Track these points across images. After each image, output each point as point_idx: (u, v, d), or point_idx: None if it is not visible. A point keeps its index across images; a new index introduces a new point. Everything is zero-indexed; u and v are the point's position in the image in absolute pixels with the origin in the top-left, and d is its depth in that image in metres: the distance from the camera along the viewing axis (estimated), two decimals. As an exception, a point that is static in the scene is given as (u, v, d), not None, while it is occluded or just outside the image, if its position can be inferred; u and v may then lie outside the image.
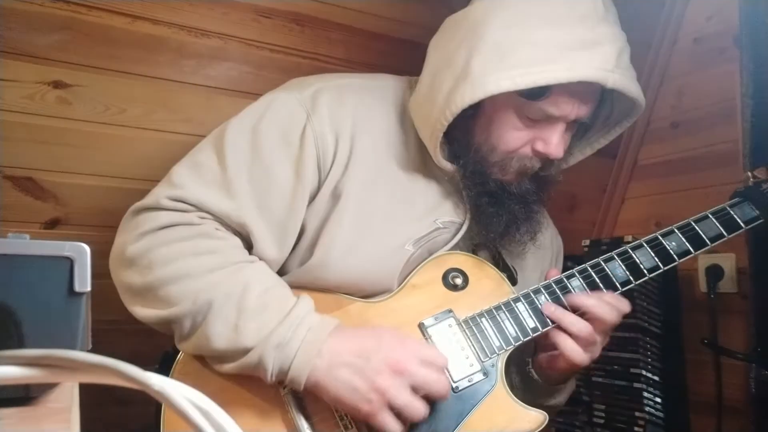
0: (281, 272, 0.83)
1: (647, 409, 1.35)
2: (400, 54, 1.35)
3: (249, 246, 0.80)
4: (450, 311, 0.80)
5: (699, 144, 1.54)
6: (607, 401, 1.41)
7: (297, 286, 0.80)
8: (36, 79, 1.03)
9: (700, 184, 1.53)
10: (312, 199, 0.81)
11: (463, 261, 0.85)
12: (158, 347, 0.91)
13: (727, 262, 1.44)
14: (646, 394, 1.35)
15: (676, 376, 1.43)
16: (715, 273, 1.45)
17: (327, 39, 1.26)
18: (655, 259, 0.87)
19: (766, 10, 1.36)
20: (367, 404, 0.68)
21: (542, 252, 1.01)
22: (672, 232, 0.90)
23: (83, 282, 0.39)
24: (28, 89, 1.03)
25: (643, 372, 1.36)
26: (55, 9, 1.02)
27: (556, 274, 0.85)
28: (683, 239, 0.89)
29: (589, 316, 0.81)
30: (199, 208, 0.76)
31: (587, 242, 1.50)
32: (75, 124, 1.07)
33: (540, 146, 0.82)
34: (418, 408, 0.69)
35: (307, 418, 0.72)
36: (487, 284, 0.84)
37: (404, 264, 0.84)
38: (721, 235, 0.92)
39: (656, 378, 1.37)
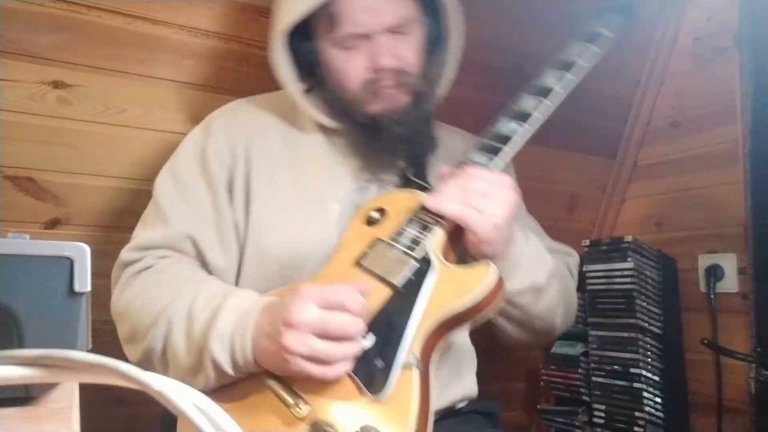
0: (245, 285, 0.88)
1: (647, 409, 1.35)
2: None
3: (202, 263, 0.88)
4: (377, 239, 0.82)
5: (699, 144, 1.54)
6: (607, 401, 1.41)
7: (263, 289, 0.83)
8: (36, 79, 1.03)
9: (700, 184, 1.53)
10: (231, 201, 0.89)
11: (377, 201, 0.89)
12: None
13: (727, 262, 1.44)
14: (646, 394, 1.35)
15: (676, 376, 1.43)
16: (715, 273, 1.45)
17: (327, 39, 1.26)
18: (536, 98, 0.88)
19: (766, 10, 1.36)
20: (286, 364, 0.69)
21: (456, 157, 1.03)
22: (545, 71, 0.92)
23: (83, 282, 0.39)
24: (28, 89, 1.03)
25: (643, 372, 1.36)
26: (55, 9, 1.02)
27: (446, 170, 0.86)
28: (559, 71, 0.91)
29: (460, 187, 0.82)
30: (151, 248, 0.87)
31: (587, 242, 1.51)
32: (75, 124, 1.07)
33: (373, 64, 0.87)
34: (329, 350, 0.68)
35: (286, 385, 0.73)
36: (402, 203, 0.86)
37: (336, 221, 0.88)
38: (591, 50, 0.93)
39: (656, 378, 1.37)
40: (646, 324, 1.39)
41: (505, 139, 0.86)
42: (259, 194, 0.89)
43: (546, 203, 1.65)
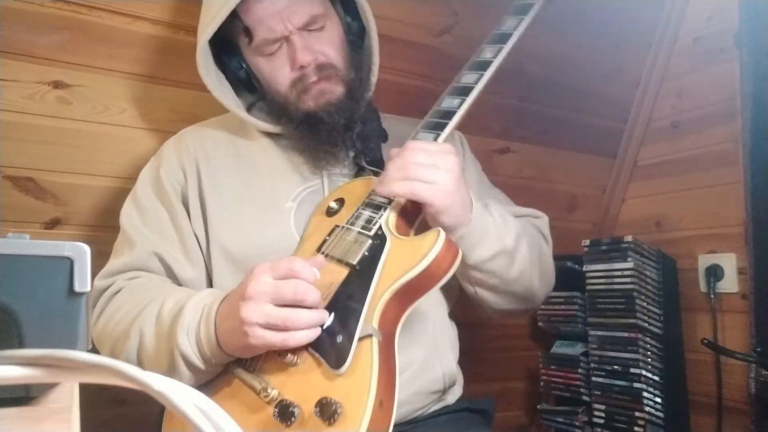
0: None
1: (647, 409, 1.35)
2: (401, 54, 1.35)
3: (171, 276, 0.92)
4: (335, 226, 0.85)
5: (699, 144, 1.54)
6: (607, 401, 1.42)
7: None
8: (36, 79, 1.03)
9: (700, 184, 1.53)
10: (189, 215, 0.93)
11: (336, 192, 0.92)
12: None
13: (727, 262, 1.44)
14: (646, 394, 1.35)
15: (676, 376, 1.44)
16: (715, 273, 1.45)
17: (327, 39, 1.26)
18: (475, 73, 0.92)
19: (766, 10, 1.36)
20: (246, 337, 0.70)
21: None
22: (483, 47, 0.95)
23: (83, 282, 0.39)
24: (28, 89, 1.03)
25: (643, 372, 1.36)
26: (55, 9, 1.02)
27: (394, 152, 0.87)
28: (496, 44, 0.94)
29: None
30: (119, 272, 0.90)
31: (587, 242, 1.51)
32: (75, 124, 1.07)
33: (294, 64, 0.91)
34: (286, 315, 0.70)
35: (253, 372, 0.75)
36: (358, 190, 0.89)
37: (292, 218, 0.91)
38: (519, 20, 0.95)
39: (656, 378, 1.38)
40: (646, 324, 1.39)
41: (448, 115, 0.89)
42: (213, 203, 0.92)
43: (546, 203, 1.65)
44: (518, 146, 1.59)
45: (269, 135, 0.98)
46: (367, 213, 0.84)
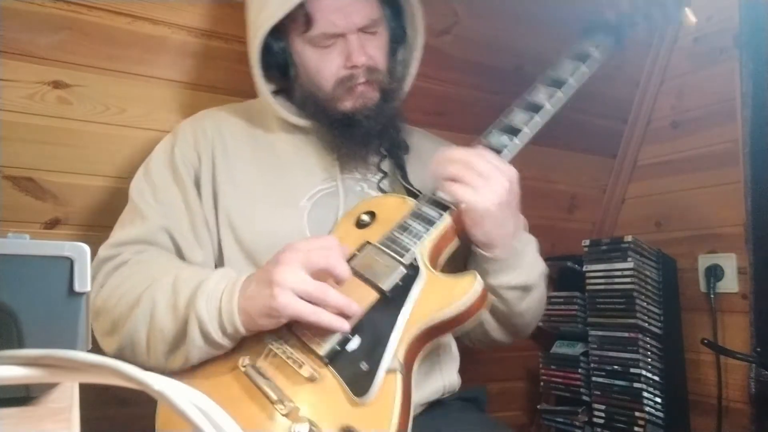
0: None
1: (647, 409, 1.35)
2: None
3: (179, 255, 0.91)
4: (366, 242, 0.84)
5: (699, 144, 1.54)
6: (607, 401, 1.42)
7: None
8: (36, 79, 1.03)
9: (700, 184, 1.53)
10: (200, 198, 0.92)
11: (367, 203, 0.91)
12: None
13: (727, 262, 1.44)
14: (646, 394, 1.35)
15: (676, 376, 1.43)
16: (715, 273, 1.45)
17: (327, 39, 1.26)
18: (526, 113, 0.91)
19: (766, 10, 1.36)
20: (273, 299, 0.70)
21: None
22: (536, 87, 0.94)
23: (83, 282, 0.39)
24: (28, 89, 1.03)
25: (643, 372, 1.36)
26: (55, 9, 1.02)
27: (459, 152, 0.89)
28: (550, 88, 0.93)
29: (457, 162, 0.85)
30: (127, 244, 0.88)
31: (587, 242, 1.51)
32: (75, 124, 1.07)
33: (347, 62, 0.91)
34: (319, 285, 0.71)
35: (268, 379, 0.74)
36: (392, 208, 0.88)
37: (306, 218, 0.90)
38: (581, 69, 0.95)
39: (656, 378, 1.37)
40: (646, 324, 1.39)
41: (501, 147, 0.89)
42: (226, 191, 0.92)
43: (546, 203, 1.65)
44: (518, 146, 1.59)
45: (289, 127, 0.97)
46: (402, 238, 0.83)
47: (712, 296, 1.43)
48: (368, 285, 0.78)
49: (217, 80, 1.18)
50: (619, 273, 1.42)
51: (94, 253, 0.39)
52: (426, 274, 0.79)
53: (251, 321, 0.73)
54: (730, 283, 1.43)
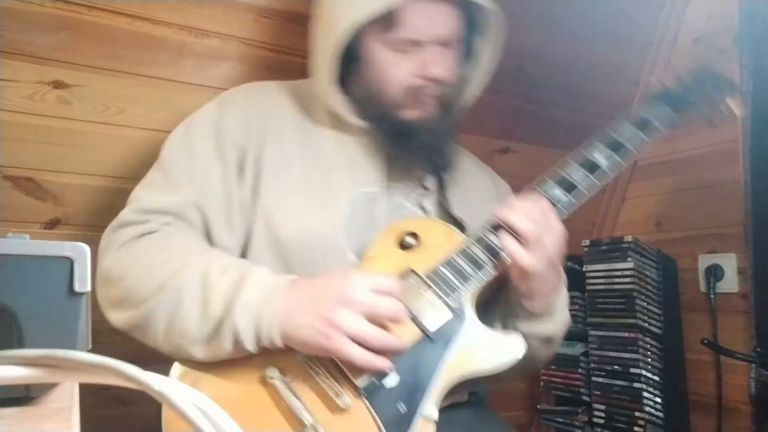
0: None
1: (647, 409, 1.35)
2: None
3: (207, 237, 0.87)
4: (411, 270, 0.82)
5: (699, 144, 1.54)
6: (607, 401, 1.42)
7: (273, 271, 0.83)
8: (36, 79, 1.03)
9: (700, 184, 1.53)
10: (241, 179, 0.88)
11: (413, 223, 0.88)
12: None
13: (727, 262, 1.44)
14: (646, 394, 1.35)
15: (676, 376, 1.43)
16: (715, 273, 1.45)
17: (327, 39, 1.26)
18: (582, 170, 0.91)
19: (766, 10, 1.36)
20: (326, 339, 0.70)
21: (485, 194, 1.04)
22: (595, 145, 0.94)
23: (83, 282, 0.39)
24: (28, 89, 1.03)
25: (643, 372, 1.36)
26: (55, 9, 1.02)
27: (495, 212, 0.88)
28: (608, 150, 0.93)
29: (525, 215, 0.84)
30: (156, 212, 0.84)
31: (587, 242, 1.51)
32: (75, 124, 1.07)
33: (423, 72, 0.88)
34: (374, 332, 0.71)
35: (298, 398, 0.72)
36: (439, 237, 0.87)
37: (344, 223, 0.87)
38: (640, 137, 0.95)
39: (656, 378, 1.37)
40: (646, 324, 1.39)
41: (555, 201, 0.88)
42: (270, 178, 0.88)
43: (546, 203, 1.65)
44: (518, 146, 1.59)
45: (337, 124, 0.94)
46: (450, 277, 0.81)
47: (712, 296, 1.43)
48: (413, 321, 0.77)
49: (217, 80, 1.18)
50: (619, 273, 1.42)
51: (94, 253, 0.39)
52: (471, 323, 0.79)
53: (291, 341, 0.72)
54: (730, 283, 1.43)
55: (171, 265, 0.77)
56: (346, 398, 0.72)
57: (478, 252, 0.84)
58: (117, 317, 0.79)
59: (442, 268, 0.82)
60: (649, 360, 1.37)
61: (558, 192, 0.89)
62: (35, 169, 1.06)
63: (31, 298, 0.38)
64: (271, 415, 0.72)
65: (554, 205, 0.87)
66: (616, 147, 0.93)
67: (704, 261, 1.48)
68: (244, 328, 0.72)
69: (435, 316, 0.78)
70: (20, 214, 1.06)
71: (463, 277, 0.82)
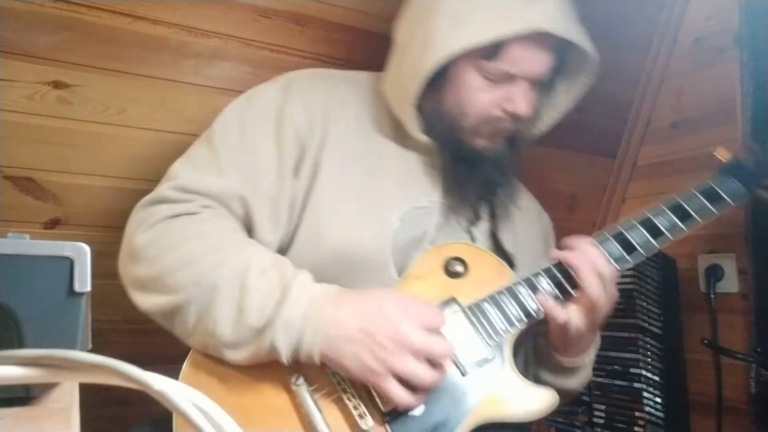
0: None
1: (647, 409, 1.35)
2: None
3: (247, 228, 0.83)
4: (453, 299, 0.80)
5: (699, 144, 1.54)
6: (607, 401, 1.41)
7: (298, 267, 0.80)
8: (36, 79, 1.03)
9: (700, 184, 1.53)
10: (296, 174, 0.85)
11: (462, 249, 0.86)
12: (158, 347, 0.91)
13: (727, 262, 1.44)
14: (646, 394, 1.35)
15: (676, 376, 1.43)
16: (715, 273, 1.45)
17: (327, 39, 1.26)
18: (646, 234, 0.89)
19: (766, 10, 1.36)
20: (372, 374, 0.69)
21: (532, 231, 1.03)
22: (662, 210, 0.92)
23: (83, 282, 0.39)
24: (28, 89, 1.03)
25: (643, 372, 1.36)
26: (55, 9, 1.02)
27: (555, 254, 0.87)
28: (673, 216, 0.91)
29: (593, 270, 0.83)
30: (198, 193, 0.80)
31: (587, 242, 1.50)
32: (75, 124, 1.07)
33: (507, 105, 0.86)
34: (423, 374, 0.70)
35: (320, 411, 0.72)
36: (487, 270, 0.85)
37: (393, 236, 0.85)
38: (709, 210, 0.93)
39: (656, 378, 1.37)
40: (646, 324, 1.39)
41: (613, 259, 0.87)
42: (326, 180, 0.84)
43: (546, 203, 1.65)
44: (518, 146, 1.59)
45: (403, 134, 0.91)
46: (494, 316, 0.80)
47: (712, 296, 1.43)
48: None
49: (217, 80, 1.18)
50: (619, 273, 1.42)
51: (94, 253, 0.39)
52: (507, 369, 0.78)
53: (330, 363, 0.71)
54: (730, 283, 1.43)
55: (208, 259, 0.73)
56: (369, 420, 0.71)
57: (526, 295, 0.83)
58: (143, 300, 0.76)
59: (486, 304, 0.81)
60: (649, 360, 1.37)
61: (616, 250, 0.87)
62: (35, 169, 1.06)
63: (31, 298, 0.38)
64: (286, 421, 0.71)
65: (611, 262, 0.86)
66: (682, 216, 0.91)
67: (704, 261, 1.48)
68: (283, 345, 0.70)
69: (472, 354, 0.77)
70: (20, 214, 1.06)
71: (507, 319, 0.80)
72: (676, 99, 1.61)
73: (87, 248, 0.40)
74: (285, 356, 0.70)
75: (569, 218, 1.70)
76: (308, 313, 0.70)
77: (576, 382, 0.91)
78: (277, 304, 0.70)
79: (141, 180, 1.12)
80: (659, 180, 1.64)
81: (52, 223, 1.09)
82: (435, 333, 0.72)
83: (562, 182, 1.67)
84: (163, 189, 0.80)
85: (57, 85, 1.05)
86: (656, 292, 1.43)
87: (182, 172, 0.82)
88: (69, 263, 0.39)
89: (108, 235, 1.00)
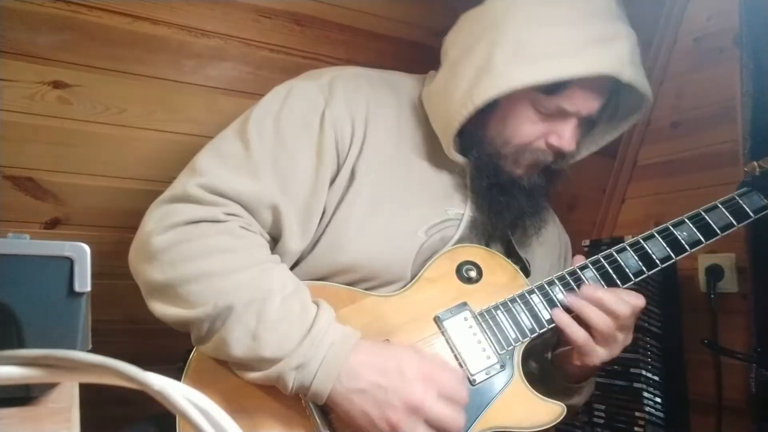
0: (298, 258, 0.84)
1: (647, 409, 1.35)
2: (401, 54, 1.35)
3: (273, 241, 0.81)
4: (465, 304, 0.80)
5: (699, 144, 1.54)
6: (607, 401, 1.41)
7: (312, 272, 0.80)
8: (36, 79, 1.03)
9: (700, 184, 1.53)
10: (332, 181, 0.82)
11: (477, 253, 0.86)
12: (158, 347, 0.91)
13: (727, 262, 1.44)
14: (646, 394, 1.35)
15: (676, 376, 1.43)
16: (715, 273, 1.45)
17: (327, 39, 1.26)
18: (667, 249, 0.89)
19: (766, 10, 1.36)
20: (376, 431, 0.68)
21: (550, 247, 1.02)
22: (682, 222, 0.92)
23: (83, 282, 0.39)
24: (28, 89, 1.03)
25: (643, 372, 1.36)
26: (55, 9, 1.02)
27: (580, 260, 0.87)
28: (694, 229, 0.90)
29: (603, 310, 0.81)
30: (226, 197, 0.75)
31: (587, 242, 1.50)
32: (75, 124, 1.07)
33: (554, 140, 0.84)
34: None
35: (329, 426, 0.71)
36: (501, 276, 0.84)
37: (417, 251, 0.84)
38: (731, 224, 0.93)
39: (656, 378, 1.37)
40: (646, 324, 1.39)
41: (627, 278, 0.88)
42: (360, 188, 0.82)
43: (546, 203, 1.65)
44: (518, 146, 1.59)
45: (431, 146, 0.89)
46: (506, 324, 0.79)
47: (712, 296, 1.43)
48: (455, 358, 0.77)
49: (218, 80, 1.18)
50: (619, 273, 1.41)
51: (94, 253, 0.39)
52: (515, 380, 0.78)
53: (336, 408, 0.70)
54: (730, 283, 1.43)
55: (226, 277, 0.70)
56: None
57: (540, 305, 0.82)
58: (158, 308, 0.73)
59: (499, 312, 0.80)
60: (649, 360, 1.37)
61: (632, 261, 0.88)
62: (35, 169, 1.06)
63: (31, 297, 0.38)
64: (290, 426, 0.71)
65: (626, 276, 0.86)
66: (706, 234, 0.92)
67: (704, 261, 1.48)
68: (291, 381, 0.69)
69: (481, 362, 0.77)
70: (20, 214, 1.06)
71: (519, 329, 0.80)
72: (676, 99, 1.61)
73: (87, 248, 0.40)
74: (290, 391, 0.69)
75: (569, 218, 1.70)
76: (328, 357, 0.68)
77: (580, 399, 0.92)
78: (297, 343, 0.68)
79: (141, 180, 1.12)
80: (659, 180, 1.64)
81: (52, 223, 1.09)
82: (454, 403, 0.70)
83: (562, 182, 1.67)
84: (190, 185, 0.75)
85: (57, 85, 1.05)
86: (656, 292, 1.43)
87: (211, 168, 0.77)
88: (69, 263, 0.39)
89: (108, 235, 1.01)
